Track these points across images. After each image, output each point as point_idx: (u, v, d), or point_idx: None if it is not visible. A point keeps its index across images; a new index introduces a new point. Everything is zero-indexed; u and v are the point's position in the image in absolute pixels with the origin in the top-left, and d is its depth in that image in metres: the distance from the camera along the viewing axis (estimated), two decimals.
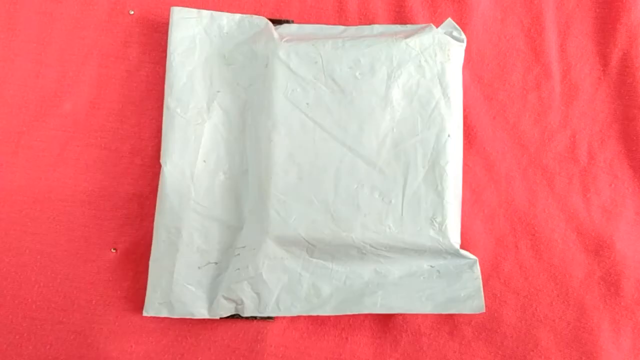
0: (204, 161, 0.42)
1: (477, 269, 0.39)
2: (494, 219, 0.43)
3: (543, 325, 0.41)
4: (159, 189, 0.41)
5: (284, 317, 0.41)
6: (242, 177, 0.41)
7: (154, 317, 0.41)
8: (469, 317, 0.41)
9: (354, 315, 0.41)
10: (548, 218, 0.43)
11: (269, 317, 0.41)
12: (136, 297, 0.42)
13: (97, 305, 0.41)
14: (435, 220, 0.39)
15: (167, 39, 0.43)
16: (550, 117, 0.44)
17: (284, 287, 0.39)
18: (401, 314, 0.41)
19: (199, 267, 0.40)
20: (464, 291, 0.39)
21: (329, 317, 0.41)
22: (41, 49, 0.44)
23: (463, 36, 0.42)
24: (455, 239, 0.40)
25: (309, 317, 0.41)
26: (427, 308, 0.39)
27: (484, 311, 0.38)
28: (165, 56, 0.42)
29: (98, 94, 0.44)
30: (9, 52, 0.44)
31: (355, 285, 0.40)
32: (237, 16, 0.43)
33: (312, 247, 0.39)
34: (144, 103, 0.44)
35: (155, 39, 0.45)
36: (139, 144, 0.44)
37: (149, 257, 0.41)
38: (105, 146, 0.43)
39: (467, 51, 0.44)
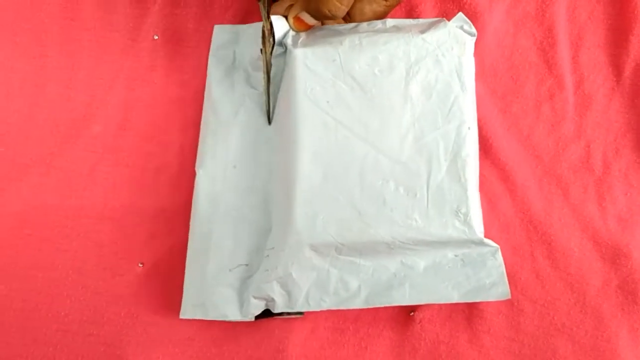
0: (234, 166, 0.45)
1: (500, 256, 0.41)
2: (510, 229, 0.45)
3: (561, 334, 0.43)
4: (194, 196, 0.44)
5: (304, 328, 0.44)
6: (269, 180, 0.44)
7: (180, 328, 0.44)
8: (487, 325, 0.43)
9: (372, 325, 0.44)
10: (564, 227, 0.45)
11: (298, 313, 0.43)
12: (162, 310, 0.45)
13: (126, 318, 0.45)
14: (460, 212, 0.41)
15: (188, 63, 0.47)
16: (564, 128, 0.47)
17: (312, 283, 0.41)
18: (419, 322, 0.43)
19: (230, 270, 0.42)
20: (488, 279, 0.41)
21: (348, 326, 0.44)
22: (70, 75, 0.49)
23: (474, 30, 0.44)
24: (479, 229, 0.42)
25: (330, 327, 0.44)
26: (454, 297, 0.40)
27: (510, 297, 0.40)
28: (187, 79, 0.46)
29: (125, 117, 0.48)
30: (40, 77, 0.49)
31: (383, 277, 0.41)
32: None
33: (341, 246, 0.41)
34: (168, 123, 0.48)
35: (178, 62, 0.49)
36: (163, 162, 0.47)
37: (174, 270, 0.45)
38: (132, 165, 0.47)
39: (481, 65, 0.47)
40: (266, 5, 0.41)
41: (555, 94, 0.47)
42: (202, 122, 0.46)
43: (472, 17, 0.48)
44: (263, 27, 0.42)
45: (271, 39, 0.43)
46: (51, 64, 0.49)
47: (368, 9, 0.44)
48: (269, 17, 0.42)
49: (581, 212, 0.45)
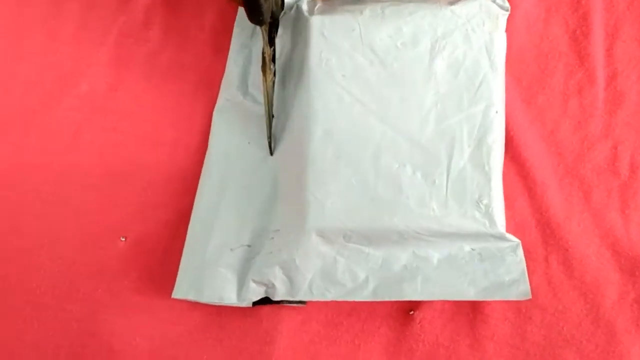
0: (249, 142, 0.42)
1: (521, 252, 0.39)
2: (525, 229, 0.42)
3: (569, 346, 0.41)
4: (204, 168, 0.42)
5: (294, 319, 0.41)
6: (281, 158, 0.41)
7: (161, 310, 0.41)
8: (491, 331, 0.41)
9: (368, 321, 0.41)
10: (582, 233, 0.42)
11: (300, 302, 0.40)
12: (143, 289, 0.42)
13: (103, 295, 0.42)
14: (482, 203, 0.39)
15: (189, 23, 0.43)
16: (591, 126, 0.44)
17: (317, 272, 0.38)
18: (418, 322, 0.41)
19: (231, 249, 0.40)
20: (508, 276, 0.38)
21: (342, 320, 0.41)
22: (57, 25, 0.46)
23: (507, 4, 0.42)
24: (501, 222, 0.39)
25: (322, 319, 0.41)
26: (470, 294, 0.38)
27: (530, 297, 0.38)
28: (189, 41, 0.43)
29: (116, 76, 0.45)
30: (23, 27, 0.45)
31: (393, 269, 0.39)
32: None
33: (350, 232, 0.38)
34: (164, 88, 0.45)
35: (178, 22, 0.45)
36: (156, 131, 0.44)
37: (159, 248, 0.42)
38: (121, 130, 0.44)
39: (507, 50, 0.44)
40: (268, 30, 0.38)
41: (584, 88, 0.44)
42: (219, 96, 0.44)
43: None
44: (263, 52, 0.38)
45: (272, 66, 0.40)
46: (36, 13, 0.45)
47: None
48: (269, 43, 0.39)
49: (602, 218, 0.42)
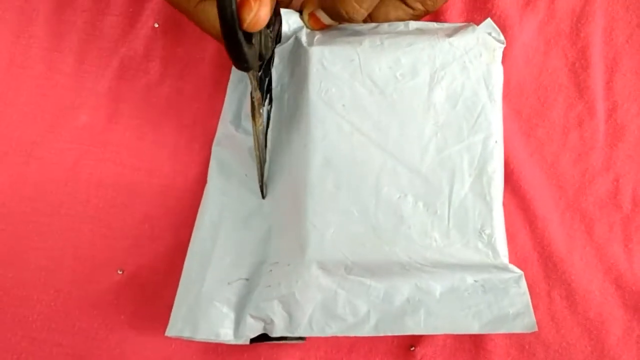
0: (246, 175, 0.42)
1: (524, 283, 0.38)
2: (527, 263, 0.42)
3: None
4: (202, 201, 0.41)
5: (293, 355, 0.41)
6: (279, 188, 0.41)
7: (157, 346, 0.41)
8: None
9: (368, 357, 0.41)
10: (585, 267, 0.42)
11: (300, 338, 0.39)
12: (140, 324, 0.42)
13: (99, 330, 0.42)
14: (484, 232, 0.38)
15: (189, 56, 0.43)
16: (592, 158, 0.43)
17: (317, 306, 0.37)
18: (419, 358, 0.40)
19: (228, 283, 0.38)
20: (512, 308, 0.37)
21: (342, 357, 0.41)
22: (59, 58, 0.45)
23: (502, 37, 0.42)
24: (504, 253, 0.39)
25: (321, 356, 0.41)
26: (474, 328, 0.37)
27: (537, 330, 0.37)
28: (189, 73, 0.43)
29: (115, 108, 0.45)
30: (26, 59, 0.45)
31: (395, 302, 0.38)
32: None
33: (352, 264, 0.38)
34: (163, 121, 0.45)
35: (178, 53, 0.45)
36: (155, 163, 0.44)
37: (156, 281, 0.41)
38: (119, 162, 0.44)
39: (506, 83, 0.44)
40: (256, 75, 0.36)
41: (584, 121, 0.44)
42: (217, 129, 0.43)
43: (501, 30, 0.44)
44: (252, 97, 0.37)
45: (262, 110, 0.39)
46: (38, 45, 0.46)
47: (393, 15, 0.41)
48: (259, 87, 0.37)
49: (605, 252, 0.42)
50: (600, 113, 0.44)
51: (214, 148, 0.43)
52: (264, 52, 0.36)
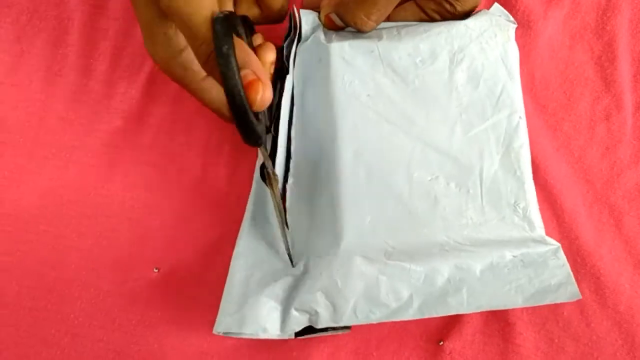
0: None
1: (562, 254, 0.38)
2: None
3: None
4: (248, 202, 0.42)
5: (323, 351, 0.42)
6: (313, 183, 0.42)
7: (194, 341, 0.42)
8: None
9: (397, 352, 0.42)
10: (615, 261, 0.42)
11: (345, 328, 0.40)
12: (176, 320, 0.43)
13: (137, 326, 0.43)
14: (519, 206, 0.39)
15: None
16: (619, 152, 0.43)
17: (360, 294, 0.37)
18: (448, 353, 0.41)
19: (275, 280, 0.39)
20: (554, 279, 0.37)
21: (371, 352, 0.42)
22: (93, 65, 0.47)
23: (512, 18, 0.43)
24: (539, 224, 0.39)
25: (351, 351, 0.42)
26: (518, 301, 0.37)
27: (581, 297, 0.37)
28: None
29: (147, 111, 0.46)
30: (62, 66, 0.47)
31: (436, 283, 0.38)
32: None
33: (391, 249, 0.38)
34: (192, 121, 0.46)
35: None
36: (186, 163, 0.45)
37: (191, 278, 0.43)
38: (152, 163, 0.45)
39: (531, 77, 0.44)
40: (267, 148, 0.37)
41: (612, 114, 0.44)
42: None
43: (525, 25, 0.45)
44: (266, 168, 0.38)
45: (276, 176, 0.40)
46: (73, 53, 0.48)
47: (411, 19, 0.43)
48: (271, 156, 0.38)
49: (635, 245, 0.42)
50: (628, 106, 0.44)
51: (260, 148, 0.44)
52: (267, 123, 0.37)
